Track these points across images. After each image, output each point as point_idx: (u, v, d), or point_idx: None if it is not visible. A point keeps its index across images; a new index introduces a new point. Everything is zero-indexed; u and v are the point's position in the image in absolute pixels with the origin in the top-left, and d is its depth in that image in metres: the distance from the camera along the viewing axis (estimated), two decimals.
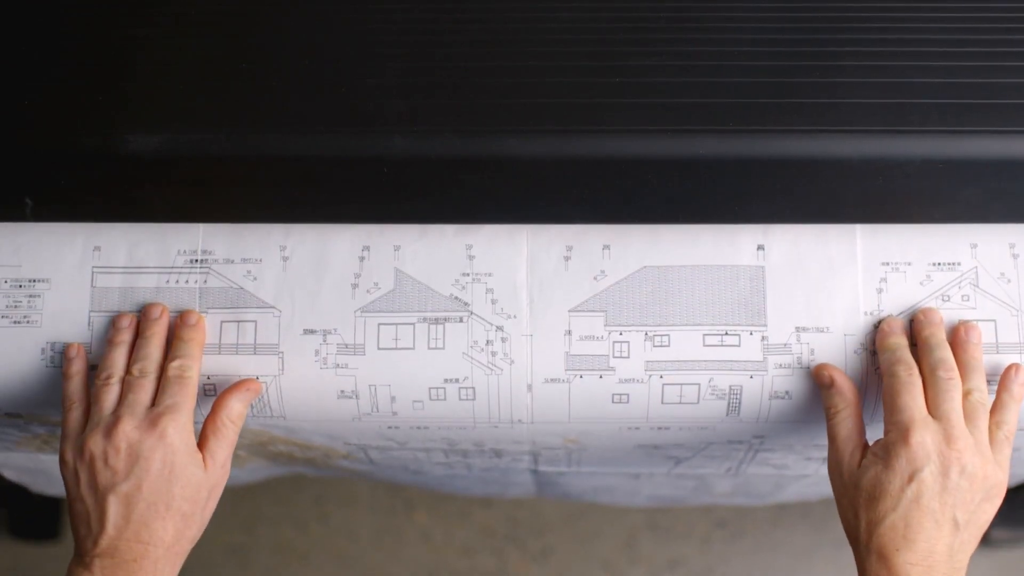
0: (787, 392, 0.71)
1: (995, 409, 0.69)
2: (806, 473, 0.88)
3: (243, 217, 0.74)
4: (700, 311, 0.72)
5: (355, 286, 0.72)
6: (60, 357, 0.71)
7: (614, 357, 0.71)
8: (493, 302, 0.72)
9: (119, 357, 0.70)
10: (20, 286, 0.73)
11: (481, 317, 0.72)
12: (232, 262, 0.73)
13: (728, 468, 0.86)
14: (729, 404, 0.72)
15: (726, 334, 0.71)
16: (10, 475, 0.96)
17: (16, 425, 0.79)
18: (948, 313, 0.71)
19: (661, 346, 0.71)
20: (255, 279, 0.73)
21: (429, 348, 0.71)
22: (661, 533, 1.42)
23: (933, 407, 0.67)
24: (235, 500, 1.41)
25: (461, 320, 0.72)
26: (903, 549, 0.64)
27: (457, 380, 0.71)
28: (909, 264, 0.72)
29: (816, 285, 0.72)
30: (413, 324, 0.72)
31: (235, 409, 0.70)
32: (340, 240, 0.73)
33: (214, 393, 0.72)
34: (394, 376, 0.71)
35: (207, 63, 0.70)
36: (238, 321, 0.72)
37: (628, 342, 0.71)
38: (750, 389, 0.71)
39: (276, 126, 0.68)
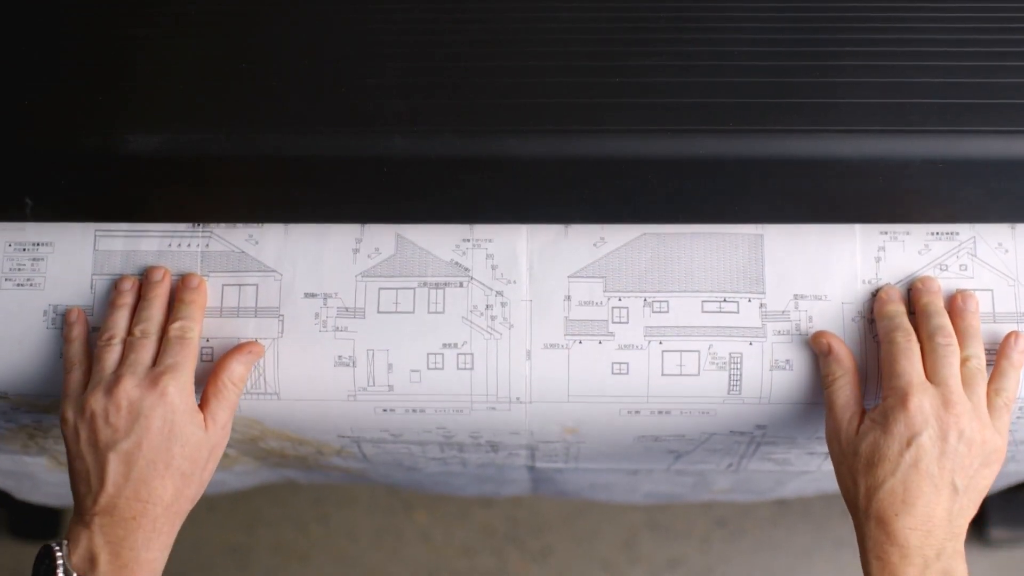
0: (788, 361, 0.72)
1: (994, 376, 0.69)
2: (808, 469, 0.88)
3: (243, 217, 0.74)
4: (699, 278, 0.73)
5: (356, 251, 0.74)
6: (62, 320, 0.72)
7: (613, 323, 0.72)
8: (493, 267, 0.73)
9: (121, 319, 0.71)
10: (24, 249, 0.74)
11: (481, 282, 0.73)
12: (234, 226, 0.74)
13: (729, 464, 0.86)
14: (730, 377, 0.72)
15: (724, 301, 0.72)
16: None
17: (2, 413, 0.78)
18: (946, 282, 0.72)
19: (660, 312, 0.72)
20: (257, 243, 0.74)
21: (429, 312, 0.72)
22: (661, 532, 1.42)
23: (931, 373, 0.67)
24: (235, 501, 1.41)
25: (461, 285, 0.73)
26: (902, 513, 0.65)
27: (456, 345, 0.72)
28: (907, 233, 0.73)
29: (814, 253, 0.73)
30: (413, 288, 0.73)
31: (236, 371, 0.70)
32: None
33: (211, 359, 0.72)
34: (393, 340, 0.72)
35: (207, 63, 0.70)
36: (239, 284, 0.73)
37: (627, 308, 0.72)
38: (750, 357, 0.72)
39: (276, 126, 0.68)
